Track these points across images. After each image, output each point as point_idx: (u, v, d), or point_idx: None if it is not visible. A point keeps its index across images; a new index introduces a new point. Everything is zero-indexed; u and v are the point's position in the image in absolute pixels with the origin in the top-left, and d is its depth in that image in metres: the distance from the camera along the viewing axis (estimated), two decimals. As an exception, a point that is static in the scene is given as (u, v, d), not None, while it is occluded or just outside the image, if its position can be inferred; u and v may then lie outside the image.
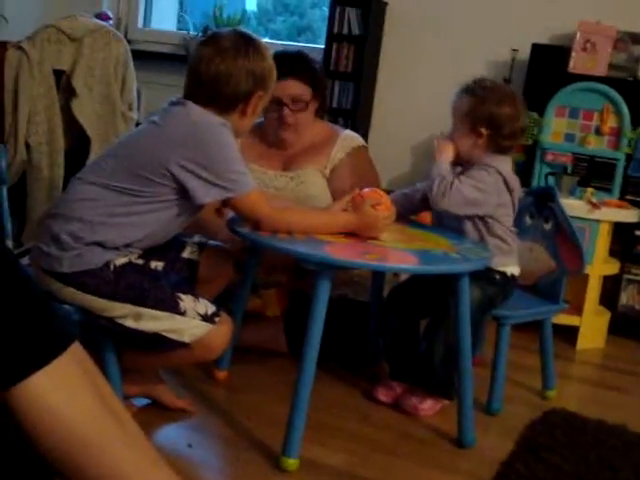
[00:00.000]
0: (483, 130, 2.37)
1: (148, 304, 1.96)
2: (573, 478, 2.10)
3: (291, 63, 2.71)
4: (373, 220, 2.16)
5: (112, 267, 1.96)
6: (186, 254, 2.22)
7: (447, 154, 2.39)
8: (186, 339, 1.98)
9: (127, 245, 1.98)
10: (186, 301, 1.99)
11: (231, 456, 2.10)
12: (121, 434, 1.13)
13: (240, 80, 2.01)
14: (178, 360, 2.11)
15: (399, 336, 2.55)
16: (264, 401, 2.39)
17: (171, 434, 2.20)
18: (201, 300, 2.03)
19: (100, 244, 1.94)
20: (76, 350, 1.12)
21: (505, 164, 2.41)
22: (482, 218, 2.39)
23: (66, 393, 1.07)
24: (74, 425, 1.07)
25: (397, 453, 2.19)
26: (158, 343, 2.00)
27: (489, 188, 2.34)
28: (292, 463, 1.99)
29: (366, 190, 2.25)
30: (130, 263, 2.01)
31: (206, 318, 2.00)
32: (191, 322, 1.98)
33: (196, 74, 2.03)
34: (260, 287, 2.67)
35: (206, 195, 1.95)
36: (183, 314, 1.98)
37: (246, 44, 2.04)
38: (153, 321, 1.96)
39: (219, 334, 2.02)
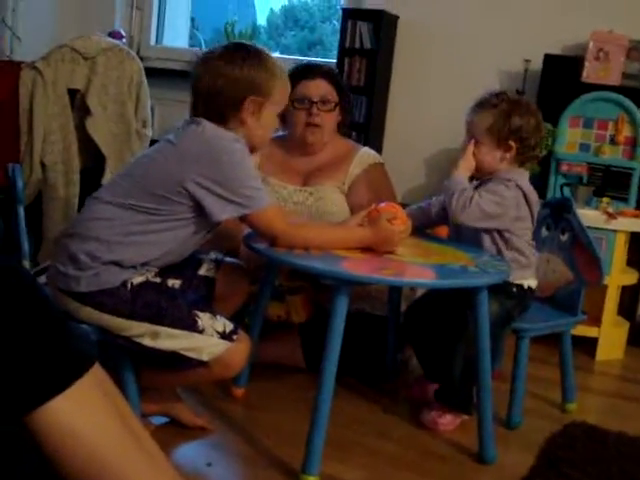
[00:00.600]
0: (512, 143, 2.36)
1: (166, 322, 1.96)
2: (595, 492, 2.08)
3: (321, 67, 2.84)
4: (389, 234, 2.15)
5: (129, 286, 1.96)
6: (203, 271, 2.22)
7: (469, 168, 2.38)
8: (204, 357, 1.97)
9: (144, 264, 1.98)
10: (204, 319, 1.99)
11: (250, 474, 2.09)
12: (141, 455, 1.12)
13: (225, 88, 2.01)
14: (196, 378, 2.10)
15: (422, 350, 2.55)
16: (283, 418, 2.38)
17: (190, 453, 2.19)
18: (219, 318, 2.02)
19: (117, 263, 1.94)
20: (96, 372, 1.11)
21: (523, 177, 2.40)
22: (500, 232, 2.38)
23: (87, 416, 1.07)
24: (95, 447, 1.06)
25: (417, 469, 2.17)
26: (176, 362, 1.99)
27: (508, 202, 2.33)
28: (312, 480, 1.98)
29: (382, 204, 2.25)
30: (147, 282, 2.01)
31: (224, 336, 1.99)
32: (209, 340, 1.98)
33: (194, 93, 2.06)
34: (285, 293, 2.66)
35: (222, 212, 1.95)
36: (201, 332, 1.97)
37: (232, 53, 2.04)
38: (171, 339, 1.96)
39: (237, 352, 2.02)
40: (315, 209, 2.75)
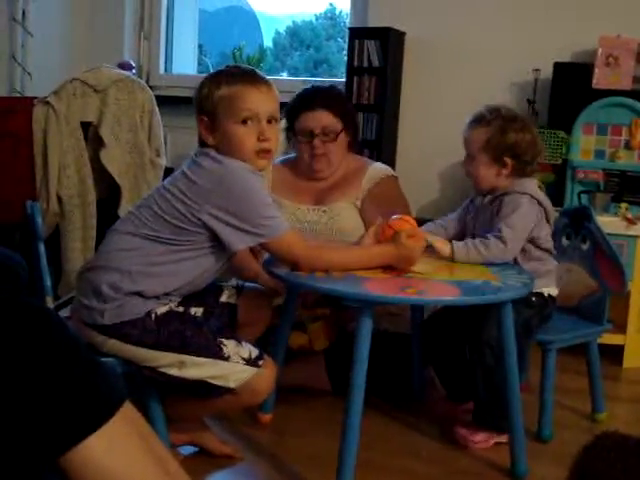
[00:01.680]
0: (507, 160, 2.35)
1: (191, 351, 1.95)
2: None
3: (322, 96, 2.78)
4: (411, 252, 2.14)
5: (153, 316, 1.96)
6: (224, 298, 2.22)
7: (445, 248, 2.32)
8: (232, 384, 1.96)
9: (167, 294, 1.98)
10: (229, 346, 1.98)
11: (282, 501, 2.08)
12: None
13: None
14: (224, 406, 2.09)
15: (443, 361, 2.55)
16: (311, 442, 2.36)
17: (220, 481, 2.18)
18: (244, 344, 2.02)
19: (139, 294, 1.94)
20: (127, 409, 1.12)
21: (533, 186, 2.39)
22: None
23: (120, 453, 1.07)
24: None
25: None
26: (203, 391, 1.98)
27: (529, 218, 2.33)
28: (345, 504, 1.95)
29: (394, 218, 2.23)
30: (171, 311, 2.01)
31: (250, 362, 1.99)
32: (235, 367, 1.97)
33: None
34: (306, 322, 2.64)
35: (240, 242, 1.96)
36: (227, 359, 1.96)
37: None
38: (197, 368, 1.95)
39: (264, 377, 2.01)
40: (330, 227, 2.74)
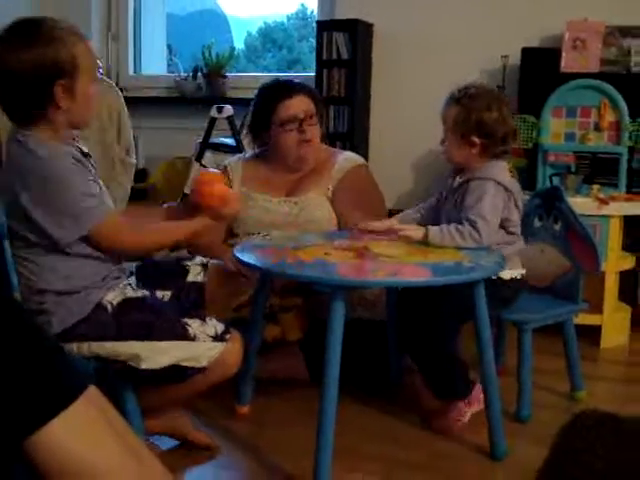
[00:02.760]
0: (475, 139, 2.35)
1: (155, 337, 1.93)
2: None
3: (292, 83, 2.81)
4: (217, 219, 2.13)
5: (109, 307, 1.94)
6: (191, 278, 2.20)
7: (416, 233, 2.31)
8: (204, 363, 1.95)
9: (94, 282, 1.95)
10: (194, 326, 1.98)
11: (262, 491, 2.07)
12: (141, 469, 1.11)
13: (20, 82, 1.82)
14: (196, 386, 2.04)
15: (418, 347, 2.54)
16: (290, 432, 2.35)
17: (199, 475, 2.17)
18: (208, 321, 2.01)
19: (65, 293, 1.91)
20: (93, 396, 1.10)
21: (500, 170, 2.38)
22: None
23: (86, 438, 1.05)
24: (95, 467, 1.05)
25: (431, 471, 2.15)
26: (176, 375, 1.96)
27: (497, 205, 2.31)
28: (325, 492, 1.95)
29: (203, 173, 2.20)
30: (127, 299, 1.98)
31: (217, 338, 1.98)
32: (204, 345, 1.96)
33: None
34: (278, 312, 2.63)
35: (63, 237, 1.88)
36: (194, 339, 1.95)
37: (11, 39, 1.84)
38: (166, 354, 1.93)
39: (233, 351, 2.02)
40: (302, 218, 2.73)
